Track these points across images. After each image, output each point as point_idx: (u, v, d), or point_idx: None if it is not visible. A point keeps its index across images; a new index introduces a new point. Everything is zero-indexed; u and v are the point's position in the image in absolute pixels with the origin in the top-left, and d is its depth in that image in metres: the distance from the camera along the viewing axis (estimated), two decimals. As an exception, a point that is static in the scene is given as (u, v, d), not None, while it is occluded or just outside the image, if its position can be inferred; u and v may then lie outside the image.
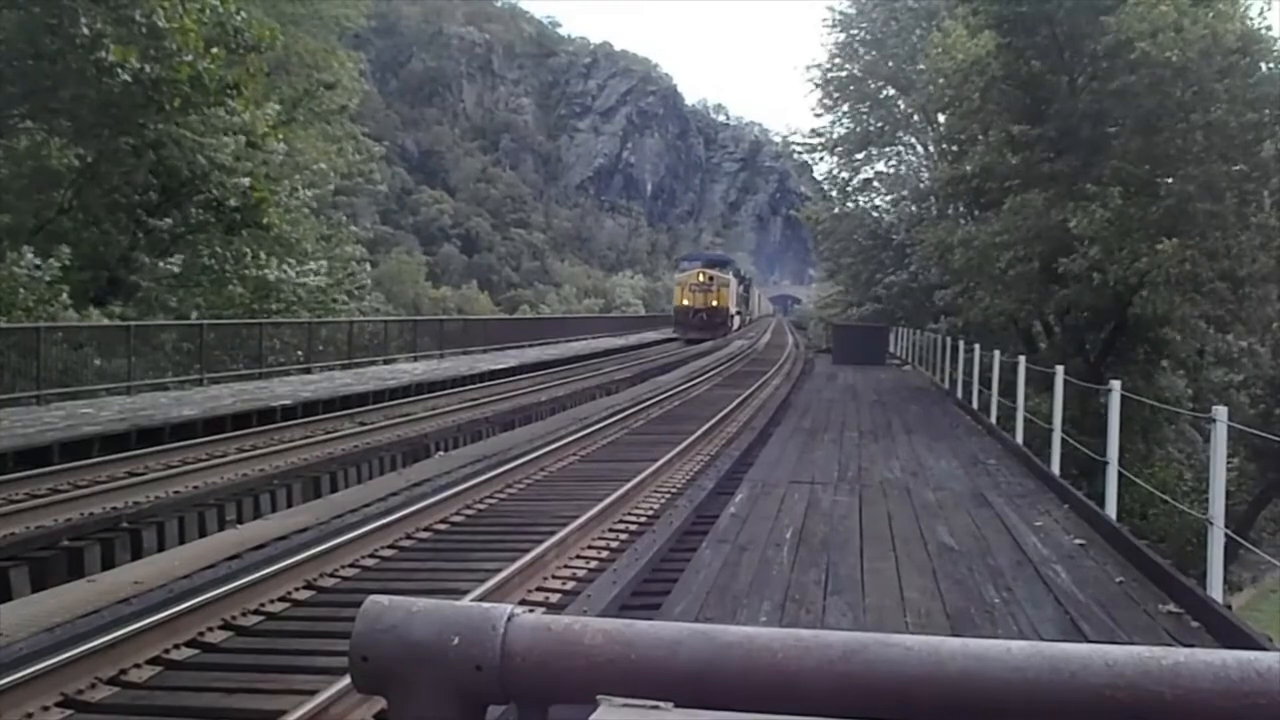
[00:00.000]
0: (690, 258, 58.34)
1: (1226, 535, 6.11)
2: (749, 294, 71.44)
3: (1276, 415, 20.05)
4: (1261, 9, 25.51)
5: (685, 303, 46.88)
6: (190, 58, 18.58)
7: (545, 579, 6.86)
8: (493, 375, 23.18)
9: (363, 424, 14.64)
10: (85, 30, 17.38)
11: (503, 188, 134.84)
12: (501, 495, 9.74)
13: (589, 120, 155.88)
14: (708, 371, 25.71)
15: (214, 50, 19.39)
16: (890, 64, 34.83)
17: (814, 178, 54.07)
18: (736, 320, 54.70)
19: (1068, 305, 17.66)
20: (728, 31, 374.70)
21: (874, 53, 36.24)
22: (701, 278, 47.13)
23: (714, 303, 46.64)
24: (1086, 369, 17.37)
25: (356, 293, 29.18)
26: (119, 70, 17.64)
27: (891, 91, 35.69)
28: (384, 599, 1.15)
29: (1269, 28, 16.96)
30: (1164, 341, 19.02)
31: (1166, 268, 15.22)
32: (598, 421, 14.58)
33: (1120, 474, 8.16)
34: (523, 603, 6.12)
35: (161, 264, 21.31)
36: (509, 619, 1.10)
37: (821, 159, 40.87)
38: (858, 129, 36.65)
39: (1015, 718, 1.01)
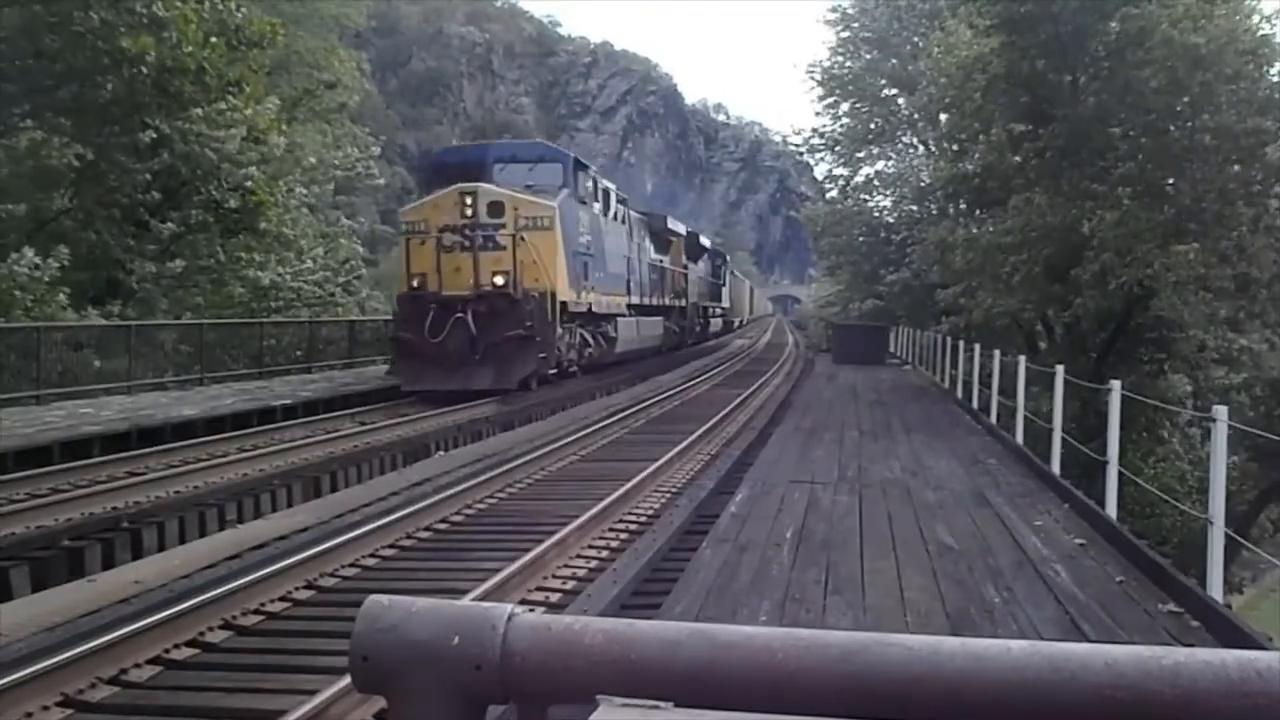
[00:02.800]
0: (449, 157, 21.50)
1: (1227, 535, 6.11)
2: (720, 277, 43.38)
3: (1277, 415, 20.06)
4: (1272, 13, 25.59)
5: (416, 282, 17.47)
6: (190, 49, 18.63)
7: (545, 579, 6.85)
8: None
9: (363, 423, 14.63)
10: (96, 21, 17.38)
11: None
12: (501, 495, 9.75)
13: (589, 120, 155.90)
14: (708, 371, 25.71)
15: (214, 40, 19.41)
16: (894, 62, 34.80)
17: (814, 177, 51.27)
18: (628, 331, 22.96)
19: (1078, 309, 17.63)
20: (728, 31, 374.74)
21: (876, 51, 36.22)
22: (467, 208, 17.34)
23: (497, 277, 17.12)
24: (1090, 369, 17.37)
25: (355, 284, 29.13)
26: (142, 63, 17.65)
27: (893, 90, 35.68)
28: (384, 599, 1.15)
29: (1277, 35, 17.01)
30: (1169, 341, 19.05)
31: (1178, 270, 15.24)
32: (597, 421, 14.59)
33: (1121, 474, 8.17)
34: (523, 602, 6.12)
35: (161, 265, 21.32)
36: (509, 619, 1.10)
37: (822, 158, 40.79)
38: (858, 127, 36.62)
39: (1015, 718, 1.01)
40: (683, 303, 31.92)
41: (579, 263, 19.22)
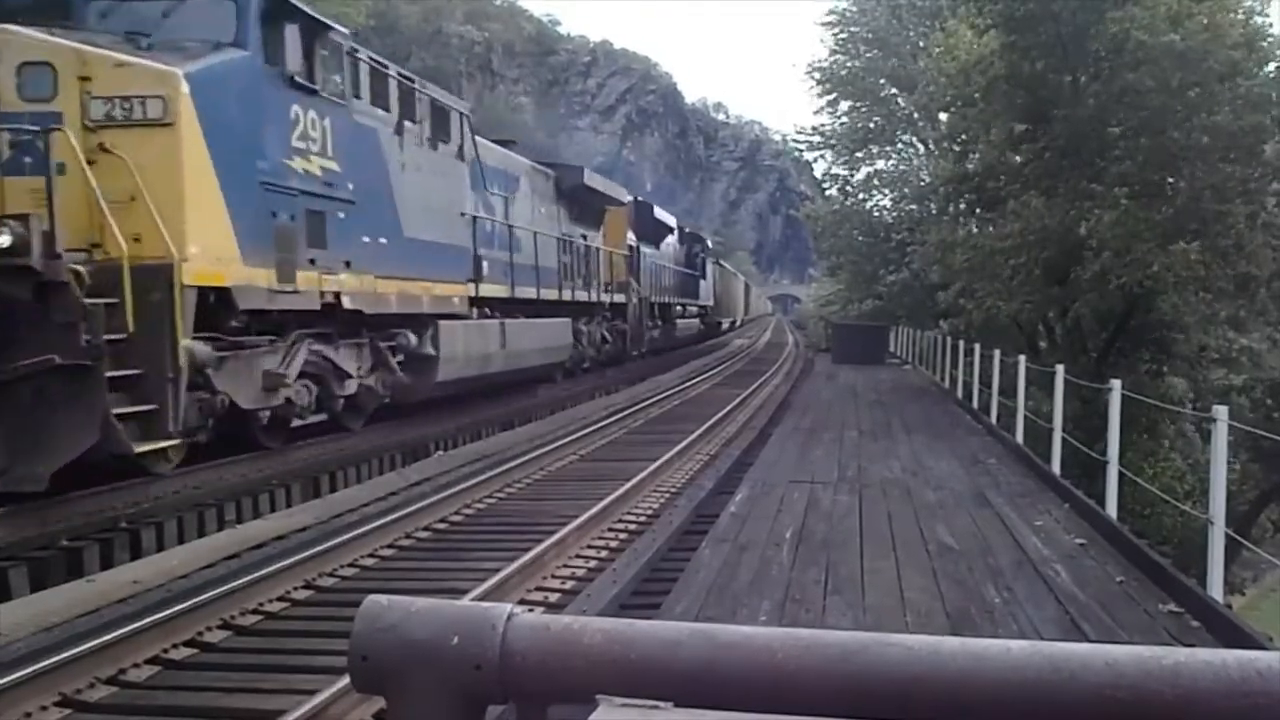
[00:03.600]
0: None
1: (1228, 535, 6.10)
2: (697, 267, 35.91)
3: (1277, 416, 20.07)
4: (1263, 6, 25.52)
5: None
6: None
7: (545, 578, 6.86)
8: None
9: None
10: None
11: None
12: (501, 495, 9.75)
13: (589, 119, 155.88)
14: (707, 371, 25.71)
15: None
16: (895, 60, 34.77)
17: (814, 176, 50.84)
18: (469, 343, 13.67)
19: (1078, 309, 17.60)
20: (728, 31, 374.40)
21: (875, 50, 36.22)
22: (24, 88, 7.62)
23: (2, 234, 6.93)
24: (1091, 369, 17.37)
25: None
26: None
27: (893, 90, 35.66)
28: (383, 598, 1.15)
29: (1270, 25, 16.97)
30: (1169, 342, 19.05)
31: (1178, 269, 15.25)
32: (597, 421, 14.60)
33: (1121, 473, 8.17)
34: (522, 602, 6.12)
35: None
36: (508, 619, 1.10)
37: (821, 156, 40.66)
38: (858, 126, 36.60)
39: (1015, 718, 1.01)
40: (621, 298, 22.97)
41: (285, 208, 9.61)
